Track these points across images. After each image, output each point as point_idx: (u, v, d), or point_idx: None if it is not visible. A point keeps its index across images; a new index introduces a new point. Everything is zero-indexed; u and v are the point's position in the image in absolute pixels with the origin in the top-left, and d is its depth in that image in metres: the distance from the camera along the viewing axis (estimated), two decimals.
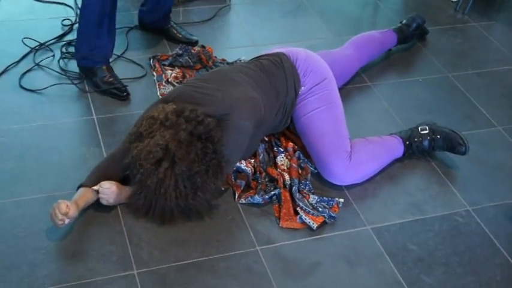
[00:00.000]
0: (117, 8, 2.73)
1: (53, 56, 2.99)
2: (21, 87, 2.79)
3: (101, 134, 2.60)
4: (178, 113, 2.16)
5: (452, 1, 3.80)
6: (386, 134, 2.65)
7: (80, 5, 2.69)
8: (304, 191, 2.41)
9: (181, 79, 2.90)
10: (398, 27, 3.25)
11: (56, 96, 2.77)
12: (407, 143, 2.58)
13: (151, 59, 3.01)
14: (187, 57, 3.01)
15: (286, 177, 2.42)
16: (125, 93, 2.79)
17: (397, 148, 2.58)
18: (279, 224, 2.30)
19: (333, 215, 2.32)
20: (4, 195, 2.29)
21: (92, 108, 2.72)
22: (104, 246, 2.16)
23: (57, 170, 2.42)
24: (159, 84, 2.87)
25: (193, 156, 2.10)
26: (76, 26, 3.07)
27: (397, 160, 2.62)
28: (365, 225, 2.34)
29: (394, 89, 3.06)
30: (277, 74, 2.47)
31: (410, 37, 3.29)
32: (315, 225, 2.28)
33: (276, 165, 2.49)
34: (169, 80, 2.88)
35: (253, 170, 2.44)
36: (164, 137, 2.10)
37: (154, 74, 2.94)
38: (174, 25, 3.22)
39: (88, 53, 2.76)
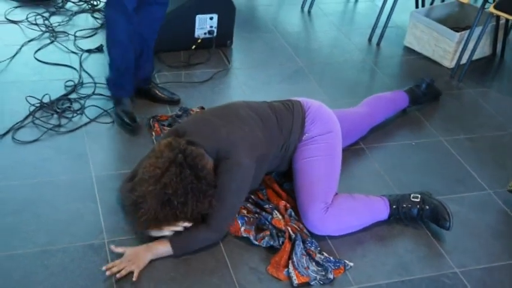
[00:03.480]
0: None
1: (52, 114, 3.09)
2: (20, 143, 2.89)
3: (97, 190, 2.67)
4: (166, 143, 2.32)
5: (448, 68, 3.90)
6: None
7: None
8: (311, 249, 2.45)
9: None
10: (409, 88, 3.38)
11: (56, 152, 2.86)
12: (394, 206, 2.61)
13: (151, 119, 3.09)
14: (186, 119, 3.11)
15: (291, 231, 2.48)
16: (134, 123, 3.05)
17: (381, 210, 2.61)
18: (266, 268, 2.37)
19: (330, 276, 2.35)
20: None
21: (91, 165, 2.81)
22: None
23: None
24: None
25: (167, 180, 2.23)
26: (78, 87, 3.33)
27: (385, 222, 2.66)
28: (351, 285, 2.37)
29: (387, 152, 3.13)
30: (285, 114, 2.62)
31: (422, 97, 3.39)
32: (296, 282, 2.31)
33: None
34: None
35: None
36: (146, 164, 2.31)
37: (153, 134, 3.02)
38: (156, 85, 3.33)
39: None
